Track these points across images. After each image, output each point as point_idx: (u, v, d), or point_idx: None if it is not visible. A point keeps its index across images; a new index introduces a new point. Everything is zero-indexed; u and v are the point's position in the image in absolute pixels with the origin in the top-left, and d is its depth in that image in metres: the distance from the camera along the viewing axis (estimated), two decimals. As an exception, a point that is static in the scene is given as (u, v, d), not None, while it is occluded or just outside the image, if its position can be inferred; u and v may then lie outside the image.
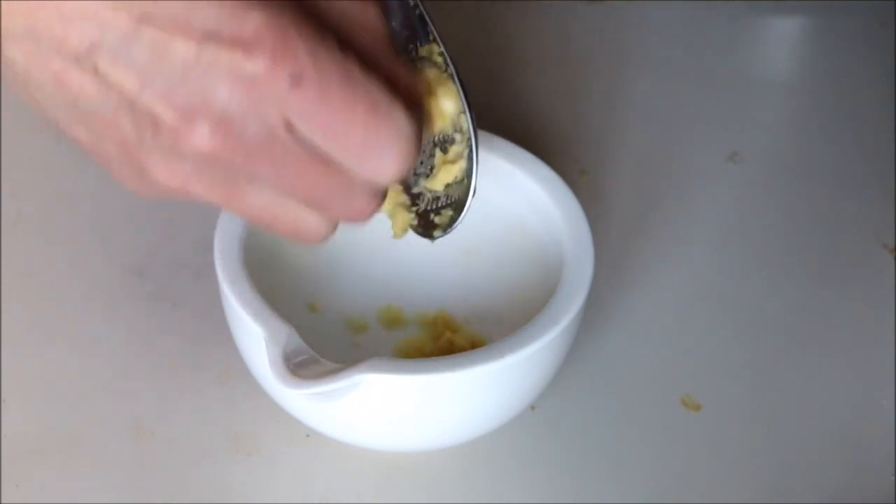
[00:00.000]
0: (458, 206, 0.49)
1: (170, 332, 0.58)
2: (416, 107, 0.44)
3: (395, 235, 0.50)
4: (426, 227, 0.49)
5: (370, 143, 0.41)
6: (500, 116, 0.69)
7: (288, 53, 0.39)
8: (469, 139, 0.48)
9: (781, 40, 0.77)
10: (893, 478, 0.55)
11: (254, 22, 0.39)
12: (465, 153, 0.48)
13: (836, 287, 0.62)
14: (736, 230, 0.65)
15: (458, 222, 0.49)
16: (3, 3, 0.39)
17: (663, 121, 0.71)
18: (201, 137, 0.39)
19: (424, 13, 0.48)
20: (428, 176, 0.49)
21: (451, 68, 0.48)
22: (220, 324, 0.53)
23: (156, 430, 0.55)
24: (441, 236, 0.49)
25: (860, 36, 0.76)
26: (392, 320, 0.58)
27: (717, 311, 0.61)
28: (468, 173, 0.48)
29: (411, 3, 0.48)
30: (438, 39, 0.48)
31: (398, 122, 0.41)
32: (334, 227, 0.44)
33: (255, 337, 0.49)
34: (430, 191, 0.49)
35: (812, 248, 0.64)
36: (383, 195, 0.44)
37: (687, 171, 0.68)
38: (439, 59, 0.47)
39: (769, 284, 0.63)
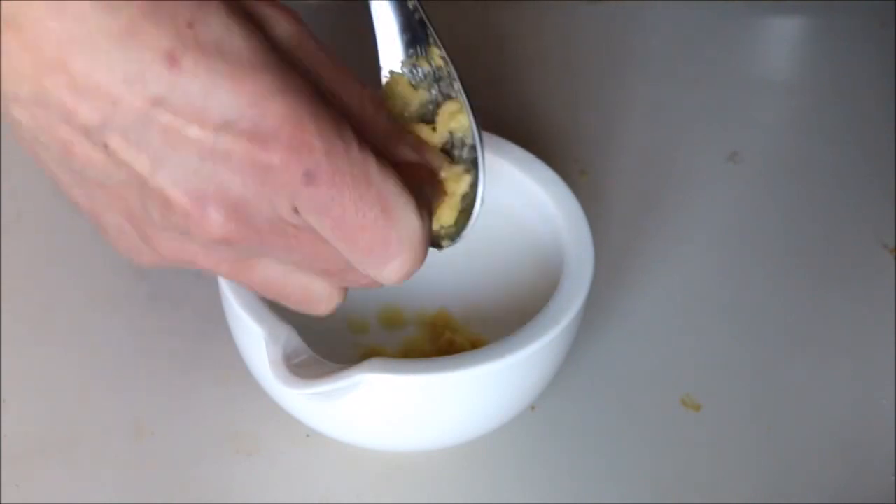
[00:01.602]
0: (465, 214, 0.48)
1: (170, 332, 0.58)
2: (429, 180, 0.44)
3: None
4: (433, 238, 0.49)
5: (378, 249, 0.41)
6: (500, 116, 0.69)
7: (304, 149, 0.39)
8: (476, 149, 0.48)
9: (781, 40, 0.77)
10: (893, 478, 0.55)
11: (273, 114, 0.38)
12: (468, 161, 0.48)
13: (836, 287, 0.62)
14: (736, 230, 0.65)
15: (466, 231, 0.48)
16: (9, 67, 0.37)
17: (663, 121, 0.71)
18: (214, 224, 0.39)
19: (424, 17, 0.47)
20: None
21: (455, 74, 0.47)
22: (220, 324, 0.53)
23: (156, 430, 0.55)
24: (450, 245, 0.49)
25: (860, 36, 0.76)
26: (392, 320, 0.58)
27: (717, 310, 0.61)
28: (474, 183, 0.48)
29: (411, 7, 0.48)
30: (440, 44, 0.48)
31: (408, 225, 0.41)
32: (344, 294, 0.44)
33: (255, 337, 0.49)
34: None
35: (812, 248, 0.64)
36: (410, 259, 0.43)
37: (687, 171, 0.68)
38: (440, 63, 0.47)
39: (769, 284, 0.63)
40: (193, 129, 0.38)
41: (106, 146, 0.38)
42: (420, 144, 0.46)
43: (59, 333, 0.58)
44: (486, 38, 0.75)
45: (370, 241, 0.41)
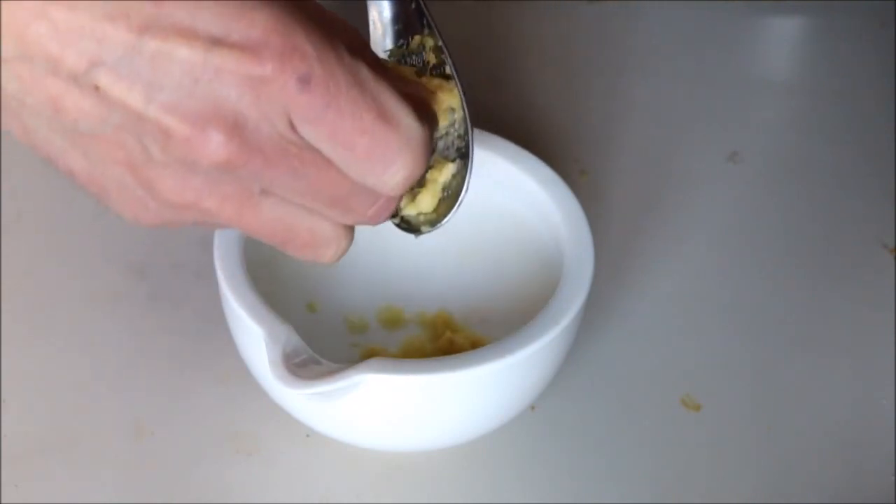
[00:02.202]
0: (448, 202, 0.48)
1: (170, 332, 0.58)
2: (426, 110, 0.43)
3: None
4: (409, 223, 0.48)
5: (377, 152, 0.40)
6: (500, 116, 0.69)
7: (296, 55, 0.38)
8: (464, 137, 0.48)
9: (781, 40, 0.77)
10: (893, 478, 0.55)
11: (261, 23, 0.38)
12: (455, 150, 0.48)
13: (836, 287, 0.62)
14: (736, 230, 0.65)
15: (447, 218, 0.48)
16: None
17: (663, 121, 0.71)
18: (217, 146, 0.39)
19: (423, 5, 0.47)
20: None
21: (449, 61, 0.47)
22: (220, 324, 0.53)
23: (156, 430, 0.55)
24: (429, 231, 0.48)
25: (860, 36, 0.76)
26: (392, 320, 0.58)
27: (717, 311, 0.61)
28: (459, 172, 0.48)
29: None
30: (437, 32, 0.47)
31: (407, 129, 0.41)
32: (350, 236, 0.44)
33: (255, 337, 0.49)
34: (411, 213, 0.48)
35: (812, 248, 0.64)
36: (409, 184, 0.43)
37: (687, 171, 0.68)
38: (432, 55, 0.47)
39: (769, 284, 0.63)
40: (183, 51, 0.37)
41: (97, 88, 0.38)
42: (410, 79, 0.46)
43: (59, 333, 0.58)
44: (486, 37, 0.75)
45: (369, 145, 0.40)
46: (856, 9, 0.77)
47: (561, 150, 0.68)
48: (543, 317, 0.50)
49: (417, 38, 0.48)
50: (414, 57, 0.48)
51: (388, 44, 0.48)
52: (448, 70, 0.48)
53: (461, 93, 0.47)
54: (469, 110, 0.47)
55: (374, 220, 0.43)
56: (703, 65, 0.74)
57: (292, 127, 0.39)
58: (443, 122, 0.47)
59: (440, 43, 0.47)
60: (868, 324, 0.61)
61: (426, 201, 0.47)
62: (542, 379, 0.52)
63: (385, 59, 0.48)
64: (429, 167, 0.47)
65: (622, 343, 0.59)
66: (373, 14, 0.48)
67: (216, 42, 0.38)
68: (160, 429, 0.55)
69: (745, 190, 0.67)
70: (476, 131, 0.53)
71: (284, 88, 0.38)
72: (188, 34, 0.37)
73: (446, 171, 0.47)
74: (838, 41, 0.76)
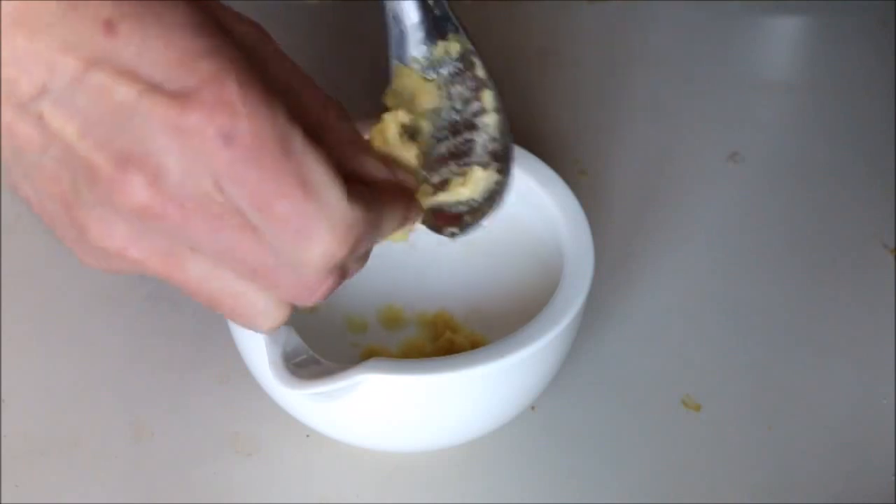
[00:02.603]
0: (476, 211, 0.48)
1: (170, 332, 0.58)
2: (382, 195, 0.42)
3: (395, 239, 0.48)
4: (440, 224, 0.48)
5: (294, 222, 0.39)
6: (500, 116, 0.69)
7: (225, 110, 0.37)
8: (502, 140, 0.47)
9: (781, 40, 0.77)
10: (893, 478, 0.55)
11: (199, 74, 0.37)
12: (489, 154, 0.48)
13: (836, 287, 0.62)
14: (736, 230, 0.65)
15: (477, 226, 0.48)
16: None
17: (663, 121, 0.71)
18: (134, 189, 0.38)
19: (448, 9, 0.47)
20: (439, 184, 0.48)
21: (481, 64, 0.47)
22: (220, 324, 0.53)
23: (156, 430, 0.55)
24: (459, 236, 0.48)
25: (860, 36, 0.76)
26: (392, 320, 0.58)
27: (717, 311, 0.61)
28: (497, 182, 0.48)
29: (430, 4, 0.47)
30: (466, 34, 0.47)
31: (331, 204, 0.39)
32: (285, 310, 0.42)
33: (255, 337, 0.49)
34: (449, 201, 0.48)
35: (812, 248, 0.64)
36: (340, 274, 0.41)
37: (687, 171, 0.68)
38: (458, 57, 0.47)
39: (769, 284, 0.63)
40: (121, 90, 0.37)
41: (41, 116, 0.38)
42: (390, 162, 0.45)
43: (59, 333, 0.58)
44: (486, 37, 0.75)
45: (286, 213, 0.39)
46: (856, 9, 0.77)
47: (561, 150, 0.68)
48: (543, 317, 0.50)
49: (442, 44, 0.48)
50: (441, 66, 0.48)
51: (411, 51, 0.48)
52: (480, 73, 0.47)
53: (495, 94, 0.47)
54: (507, 115, 0.47)
55: (304, 300, 0.41)
56: (703, 65, 0.74)
57: (216, 185, 0.38)
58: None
59: (470, 46, 0.47)
60: (868, 324, 0.61)
61: (467, 189, 0.47)
62: (542, 379, 0.52)
63: (409, 114, 0.47)
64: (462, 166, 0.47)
65: (622, 343, 0.59)
66: (391, 20, 0.48)
67: (153, 87, 0.37)
68: (160, 429, 0.55)
69: (745, 190, 0.67)
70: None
71: (207, 142, 0.38)
72: (130, 74, 0.37)
73: (478, 172, 0.47)
74: (838, 41, 0.76)
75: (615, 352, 0.59)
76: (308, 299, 0.41)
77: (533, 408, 0.56)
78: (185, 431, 0.55)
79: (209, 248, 0.40)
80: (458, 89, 0.48)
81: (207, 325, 0.58)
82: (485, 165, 0.47)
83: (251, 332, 0.49)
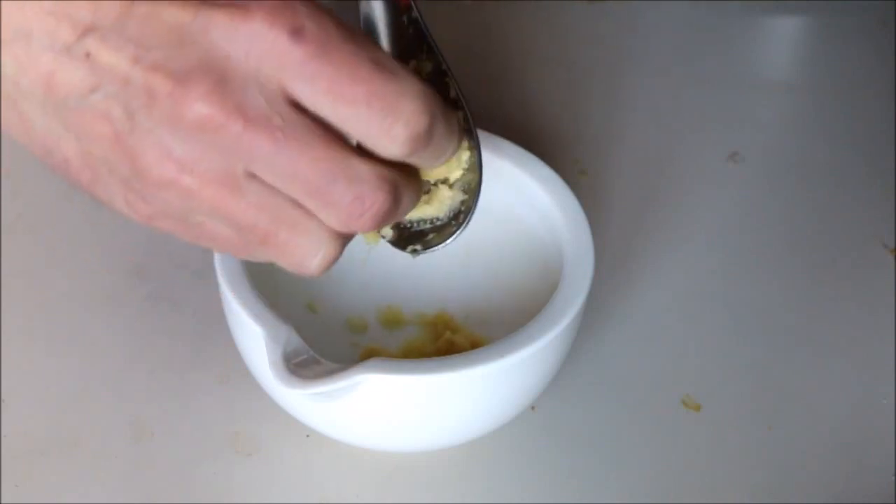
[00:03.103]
0: (441, 230, 0.48)
1: (170, 332, 0.58)
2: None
3: (368, 241, 0.48)
4: (403, 240, 0.48)
5: (378, 102, 0.39)
6: (500, 116, 0.69)
7: (287, 9, 0.38)
8: (475, 170, 0.47)
9: (781, 40, 0.77)
10: (893, 478, 0.55)
11: None
12: (461, 183, 0.48)
13: (836, 287, 0.62)
14: (736, 230, 0.65)
15: (442, 245, 0.48)
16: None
17: (663, 121, 0.71)
18: (198, 99, 0.38)
19: (424, 27, 0.47)
20: None
21: (455, 85, 0.47)
22: (220, 324, 0.53)
23: (156, 430, 0.55)
24: (422, 253, 0.48)
25: (860, 36, 0.76)
26: (392, 320, 0.58)
27: (717, 311, 0.61)
28: (463, 202, 0.48)
29: (405, 21, 0.47)
30: (440, 54, 0.47)
31: (408, 80, 0.39)
32: (338, 245, 0.41)
33: (255, 337, 0.49)
34: (412, 218, 0.48)
35: (812, 248, 0.64)
36: (393, 189, 0.40)
37: (687, 171, 0.68)
38: (423, 77, 0.47)
39: (769, 284, 0.63)
40: (173, 10, 0.37)
41: (87, 55, 0.38)
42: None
43: (59, 333, 0.58)
44: (486, 37, 0.75)
45: (368, 94, 0.38)
46: (856, 9, 0.77)
47: (561, 150, 0.68)
48: (543, 317, 0.50)
49: (413, 63, 0.48)
50: None
51: None
52: (452, 93, 0.47)
53: (469, 117, 0.47)
54: (476, 136, 0.47)
55: (359, 222, 0.40)
56: (703, 65, 0.74)
57: (279, 90, 0.38)
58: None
59: (444, 66, 0.47)
60: (868, 324, 0.61)
61: (432, 207, 0.47)
62: (542, 379, 0.52)
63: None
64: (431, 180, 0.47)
65: (622, 343, 0.59)
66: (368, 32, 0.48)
67: (206, 1, 0.38)
68: (160, 429, 0.55)
69: (745, 190, 0.67)
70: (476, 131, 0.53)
71: (276, 42, 0.38)
72: None
73: (456, 173, 0.47)
74: (838, 41, 0.76)
75: (615, 352, 0.59)
76: (362, 219, 0.40)
77: (533, 408, 0.56)
78: (185, 431, 0.55)
79: (269, 162, 0.39)
80: None
81: (207, 325, 0.58)
82: (451, 185, 0.47)
83: (251, 332, 0.49)
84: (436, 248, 0.48)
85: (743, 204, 0.67)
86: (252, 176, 0.40)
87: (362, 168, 0.40)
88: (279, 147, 0.39)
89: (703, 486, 0.54)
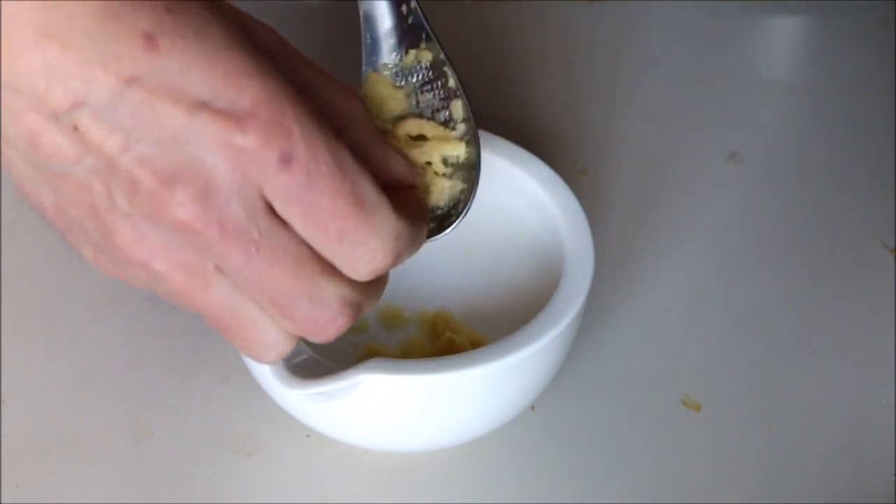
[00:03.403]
0: (441, 220, 0.48)
1: (170, 332, 0.58)
2: (413, 202, 0.43)
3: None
4: None
5: (348, 237, 0.40)
6: (500, 116, 0.69)
7: (282, 132, 0.38)
8: (473, 166, 0.48)
9: (781, 40, 0.77)
10: (893, 478, 0.55)
11: (250, 93, 0.38)
12: (460, 172, 0.48)
13: (836, 287, 0.62)
14: (736, 230, 0.65)
15: (445, 233, 0.48)
16: None
17: (663, 121, 0.71)
18: (180, 205, 0.38)
19: (423, 18, 0.47)
20: None
21: (454, 75, 0.47)
22: (220, 324, 0.53)
23: (156, 430, 0.55)
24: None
25: (860, 36, 0.76)
26: (391, 320, 0.58)
27: (717, 311, 0.61)
28: (464, 190, 0.48)
29: (404, 12, 0.47)
30: (439, 43, 0.47)
31: (382, 216, 0.41)
32: (291, 344, 0.43)
33: (255, 337, 0.49)
34: None
35: (812, 248, 0.64)
36: (352, 313, 0.43)
37: (687, 171, 0.68)
38: (428, 69, 0.47)
39: (769, 284, 0.63)
40: (168, 108, 0.37)
41: (75, 128, 0.37)
42: (411, 164, 0.46)
43: (59, 333, 0.58)
44: (486, 37, 0.75)
45: (341, 229, 0.40)
46: (856, 9, 0.77)
47: (561, 150, 0.68)
48: (543, 317, 0.50)
49: (413, 52, 0.48)
50: (411, 74, 0.48)
51: (383, 57, 0.48)
52: (452, 83, 0.47)
53: (467, 106, 0.47)
54: (474, 125, 0.47)
55: (314, 336, 0.43)
56: (703, 65, 0.74)
57: (263, 203, 0.39)
58: (446, 182, 0.48)
59: (442, 56, 0.47)
60: (868, 324, 0.61)
61: (431, 196, 0.47)
62: (542, 379, 0.52)
63: (385, 125, 0.48)
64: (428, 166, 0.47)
65: (622, 343, 0.59)
66: (364, 26, 0.48)
67: (202, 105, 0.37)
68: (160, 429, 0.55)
69: (745, 190, 0.67)
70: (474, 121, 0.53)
71: (264, 163, 0.38)
72: (175, 92, 0.37)
73: (454, 151, 0.47)
74: (838, 41, 0.76)
75: (615, 352, 0.59)
76: (319, 335, 0.43)
77: (533, 408, 0.56)
78: (185, 431, 0.55)
79: (239, 272, 0.40)
80: (427, 98, 0.48)
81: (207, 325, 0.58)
82: (448, 174, 0.48)
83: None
84: (435, 238, 0.48)
85: (743, 204, 0.67)
86: (221, 271, 0.40)
87: (327, 291, 0.41)
88: (251, 261, 0.40)
89: (703, 486, 0.54)
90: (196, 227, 0.39)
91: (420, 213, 0.45)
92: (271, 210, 0.39)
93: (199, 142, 0.38)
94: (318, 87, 0.41)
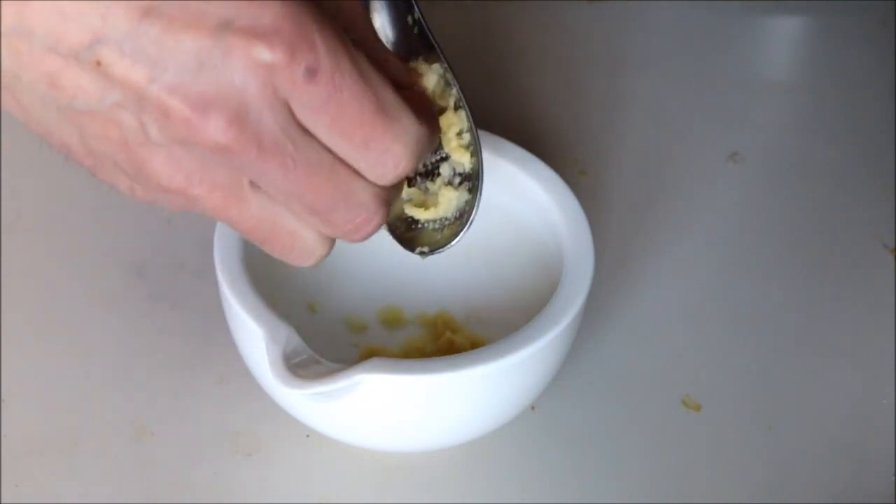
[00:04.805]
0: (448, 229, 0.49)
1: (170, 332, 0.58)
2: (425, 110, 0.43)
3: None
4: (412, 241, 0.50)
5: (374, 144, 0.41)
6: (500, 116, 0.69)
7: (306, 46, 0.38)
8: (476, 176, 0.48)
9: (781, 40, 0.77)
10: (893, 478, 0.55)
11: (272, 10, 0.38)
12: (466, 182, 0.48)
13: (836, 287, 0.62)
14: (736, 230, 0.65)
15: (456, 241, 0.49)
16: None
17: (663, 121, 0.71)
18: (216, 130, 0.38)
19: (427, 30, 0.47)
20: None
21: (456, 85, 0.47)
22: (220, 324, 0.53)
23: (156, 430, 0.55)
24: (430, 254, 0.49)
25: (860, 36, 0.76)
26: (392, 320, 0.58)
27: (717, 311, 0.61)
28: (468, 201, 0.49)
29: (410, 22, 0.47)
30: (443, 54, 0.47)
31: (404, 122, 0.41)
32: (329, 246, 0.44)
33: (255, 337, 0.49)
34: (420, 219, 0.49)
35: (812, 248, 0.64)
36: (386, 209, 0.43)
37: (687, 171, 0.68)
38: (430, 76, 0.47)
39: (769, 284, 0.63)
40: (190, 33, 0.37)
41: (98, 64, 0.37)
42: (411, 72, 0.46)
43: (59, 333, 0.58)
44: (486, 37, 0.75)
45: (366, 136, 0.40)
46: (856, 9, 0.77)
47: (561, 150, 0.68)
48: (543, 317, 0.50)
49: (419, 61, 0.48)
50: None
51: None
52: (454, 92, 0.48)
53: (467, 113, 0.48)
54: (477, 135, 0.48)
55: (352, 237, 0.43)
56: (703, 65, 0.74)
57: (292, 117, 0.39)
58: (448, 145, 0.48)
59: (445, 65, 0.47)
60: (868, 324, 0.61)
61: (440, 208, 0.48)
62: (542, 379, 0.52)
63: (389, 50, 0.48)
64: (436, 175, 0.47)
65: (622, 343, 0.59)
66: None
67: (225, 25, 0.37)
68: (160, 429, 0.55)
69: (745, 190, 0.67)
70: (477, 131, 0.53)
71: (291, 77, 0.38)
72: (196, 16, 0.37)
73: (463, 159, 0.48)
74: (838, 41, 0.76)
75: (615, 352, 0.59)
76: (358, 235, 0.43)
77: (533, 408, 0.56)
78: (185, 431, 0.55)
79: (278, 185, 0.41)
80: None
81: (207, 325, 0.58)
82: (455, 185, 0.48)
83: (251, 332, 0.49)
84: (443, 248, 0.49)
85: (743, 204, 0.67)
86: (256, 187, 0.41)
87: (363, 193, 0.42)
88: (289, 174, 0.40)
89: (703, 486, 0.54)
90: (235, 148, 0.39)
91: (432, 115, 0.45)
92: (298, 122, 0.40)
93: (226, 63, 0.38)
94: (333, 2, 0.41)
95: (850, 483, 0.55)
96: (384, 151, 0.41)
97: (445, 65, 0.47)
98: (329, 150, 0.41)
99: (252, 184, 0.41)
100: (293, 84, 0.38)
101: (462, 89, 0.47)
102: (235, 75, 0.38)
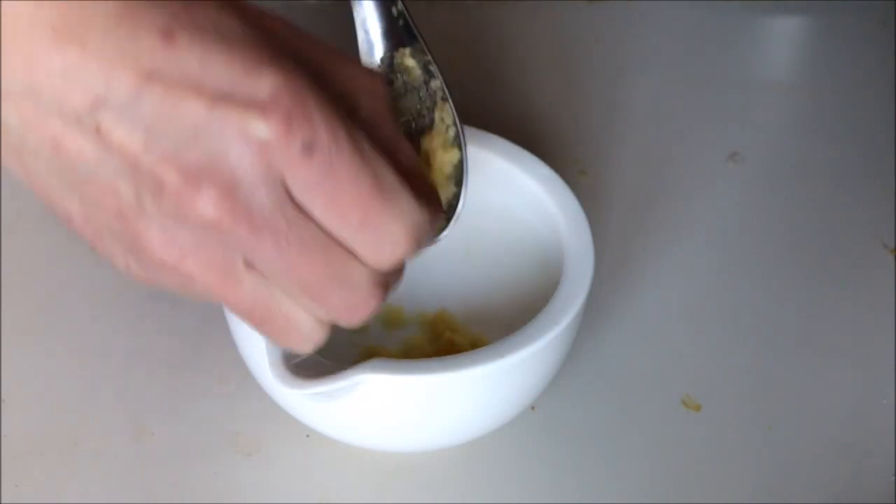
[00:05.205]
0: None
1: (170, 332, 0.58)
2: (428, 194, 0.43)
3: None
4: None
5: (370, 226, 0.40)
6: (500, 116, 0.69)
7: (303, 120, 0.38)
8: (462, 169, 0.48)
9: (781, 40, 0.77)
10: (893, 478, 0.55)
11: (270, 82, 0.37)
12: (453, 176, 0.48)
13: (836, 287, 0.62)
14: (736, 230, 0.65)
15: (440, 236, 0.49)
16: (3, 57, 0.36)
17: (663, 121, 0.71)
18: (207, 203, 0.38)
19: (410, 22, 0.47)
20: None
21: (440, 77, 0.48)
22: (220, 324, 0.53)
23: (156, 430, 0.55)
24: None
25: (860, 36, 0.76)
26: (392, 320, 0.58)
27: (717, 310, 0.61)
28: (454, 194, 0.49)
29: (395, 14, 0.48)
30: (426, 46, 0.47)
31: (403, 204, 0.40)
32: (325, 332, 0.43)
33: (255, 337, 0.49)
34: None
35: (812, 248, 0.64)
36: (384, 293, 0.42)
37: (687, 171, 0.68)
38: (413, 67, 0.47)
39: (769, 284, 0.63)
40: (188, 102, 0.37)
41: (98, 129, 0.37)
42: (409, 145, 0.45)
43: (59, 333, 0.58)
44: (486, 37, 0.75)
45: (363, 216, 0.39)
46: (856, 9, 0.77)
47: (561, 150, 0.68)
48: (543, 317, 0.50)
49: (401, 53, 0.48)
50: (401, 75, 0.48)
51: (376, 59, 0.48)
52: (437, 84, 0.48)
53: (451, 106, 0.48)
54: (462, 128, 0.48)
55: (348, 320, 0.42)
56: (703, 65, 0.74)
57: (286, 193, 0.39)
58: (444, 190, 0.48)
59: (429, 57, 0.47)
60: (868, 324, 0.61)
61: None
62: (542, 379, 0.52)
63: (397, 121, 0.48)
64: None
65: (622, 343, 0.59)
66: (359, 27, 0.48)
67: (223, 96, 0.37)
68: (160, 429, 0.55)
69: (745, 190, 0.67)
70: (475, 131, 0.54)
71: (287, 152, 0.38)
72: (195, 84, 0.37)
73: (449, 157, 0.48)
74: (838, 41, 0.76)
75: (615, 352, 0.59)
76: (353, 318, 0.42)
77: (533, 408, 0.56)
78: (185, 431, 0.55)
79: (270, 264, 0.40)
80: (413, 100, 0.48)
81: (207, 325, 0.58)
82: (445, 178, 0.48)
83: (251, 332, 0.49)
84: (430, 241, 0.48)
85: (743, 204, 0.67)
86: (251, 267, 0.40)
87: (359, 275, 0.41)
88: (282, 252, 0.39)
89: (703, 486, 0.54)
90: (225, 223, 0.38)
91: (436, 201, 0.44)
92: (293, 199, 0.39)
93: (221, 134, 0.37)
94: (331, 68, 0.41)
95: (850, 483, 0.55)
96: (381, 233, 0.40)
97: (429, 56, 0.47)
98: (325, 230, 0.40)
99: (247, 263, 0.40)
100: (289, 159, 0.38)
101: (447, 83, 0.48)
102: (230, 148, 0.37)
